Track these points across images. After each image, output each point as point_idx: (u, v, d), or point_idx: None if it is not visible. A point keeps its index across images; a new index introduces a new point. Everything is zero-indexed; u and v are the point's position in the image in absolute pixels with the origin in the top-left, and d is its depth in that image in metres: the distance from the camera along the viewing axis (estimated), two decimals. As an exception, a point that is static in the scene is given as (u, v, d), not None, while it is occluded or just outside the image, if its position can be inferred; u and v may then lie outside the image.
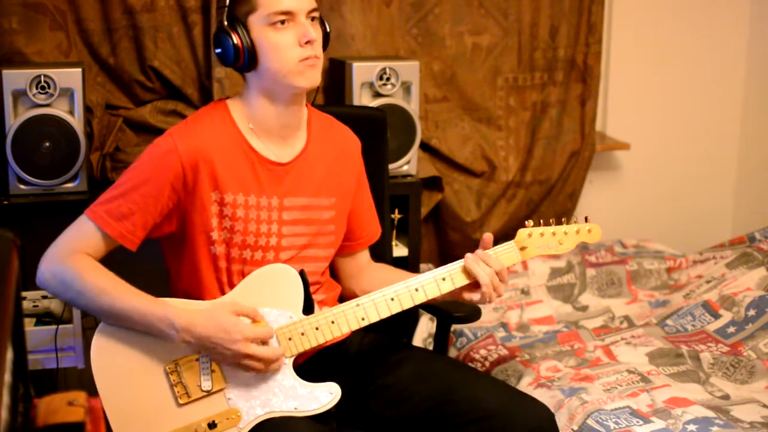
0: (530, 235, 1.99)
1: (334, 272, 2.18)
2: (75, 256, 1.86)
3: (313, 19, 1.92)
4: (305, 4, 1.90)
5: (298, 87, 1.92)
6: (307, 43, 1.88)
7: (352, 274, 2.18)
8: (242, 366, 1.85)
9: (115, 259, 1.92)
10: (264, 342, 1.86)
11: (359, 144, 2.15)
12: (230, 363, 1.86)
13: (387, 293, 1.93)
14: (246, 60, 1.89)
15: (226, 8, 1.90)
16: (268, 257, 1.97)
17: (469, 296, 1.95)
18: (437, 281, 1.95)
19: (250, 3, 1.89)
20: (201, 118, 1.97)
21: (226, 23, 1.90)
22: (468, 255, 1.93)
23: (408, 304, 1.94)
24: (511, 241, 1.99)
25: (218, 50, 1.93)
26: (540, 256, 2.05)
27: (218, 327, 1.83)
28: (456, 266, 1.96)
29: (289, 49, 1.88)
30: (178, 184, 1.89)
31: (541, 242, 1.99)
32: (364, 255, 2.20)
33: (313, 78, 1.92)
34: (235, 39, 1.88)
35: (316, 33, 1.90)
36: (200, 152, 1.90)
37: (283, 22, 1.88)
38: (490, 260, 1.92)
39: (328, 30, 2.00)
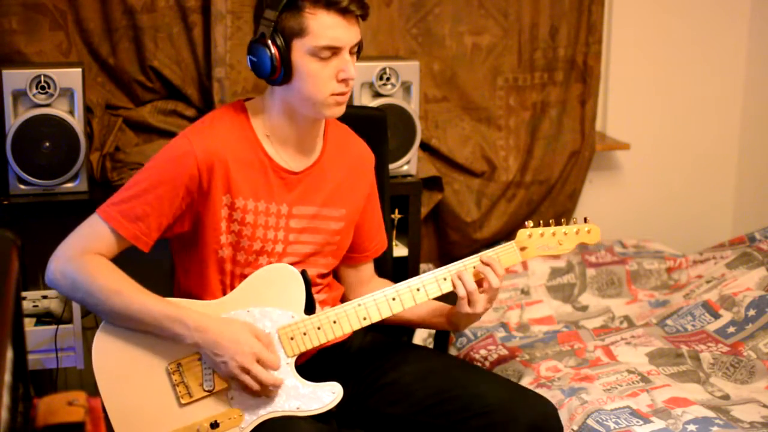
0: (530, 235, 2.00)
1: (336, 278, 2.18)
2: (87, 257, 1.85)
3: (356, 51, 1.91)
4: (354, 39, 1.88)
5: (323, 116, 1.93)
6: (343, 80, 1.88)
7: (354, 284, 2.18)
8: (239, 379, 1.85)
9: (118, 255, 1.91)
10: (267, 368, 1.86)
11: (373, 158, 2.15)
12: (229, 374, 1.85)
13: (389, 293, 1.94)
14: (280, 77, 1.88)
15: (275, 23, 1.86)
16: (272, 263, 1.97)
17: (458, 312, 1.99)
18: (438, 281, 1.95)
19: (301, 27, 1.84)
20: (219, 119, 1.95)
21: (269, 37, 1.86)
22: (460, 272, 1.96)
23: (409, 304, 1.95)
24: (512, 242, 2.01)
25: (253, 59, 1.90)
26: (540, 256, 2.06)
27: (232, 337, 1.83)
28: (458, 267, 1.96)
29: (326, 82, 1.87)
30: (193, 186, 1.88)
31: (541, 242, 2.01)
32: (368, 268, 2.20)
33: (339, 112, 1.92)
34: (275, 56, 1.86)
35: (354, 70, 1.88)
36: (216, 155, 1.89)
37: (328, 56, 1.87)
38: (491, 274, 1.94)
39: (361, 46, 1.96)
